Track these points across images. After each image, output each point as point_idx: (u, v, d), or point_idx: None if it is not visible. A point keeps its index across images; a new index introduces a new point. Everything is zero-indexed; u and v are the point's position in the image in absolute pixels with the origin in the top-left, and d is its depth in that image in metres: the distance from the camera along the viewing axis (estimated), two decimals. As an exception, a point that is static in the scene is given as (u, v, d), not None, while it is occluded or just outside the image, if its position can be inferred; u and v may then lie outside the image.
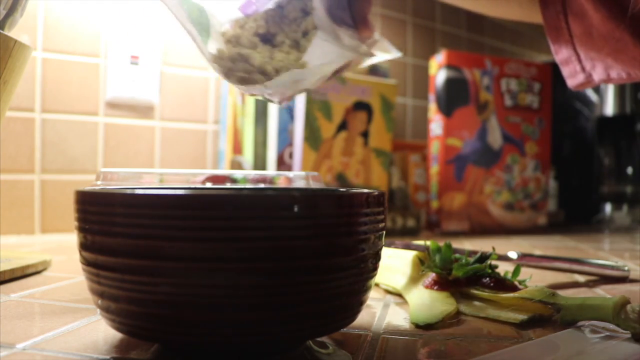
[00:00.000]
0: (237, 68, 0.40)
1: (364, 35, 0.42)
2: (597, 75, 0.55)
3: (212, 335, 0.25)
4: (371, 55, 0.43)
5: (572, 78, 0.57)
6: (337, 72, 0.43)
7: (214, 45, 0.42)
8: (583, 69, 0.55)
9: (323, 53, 0.39)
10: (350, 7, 0.41)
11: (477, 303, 0.39)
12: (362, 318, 0.37)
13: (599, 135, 1.26)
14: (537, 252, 0.73)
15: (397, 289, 0.43)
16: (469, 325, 0.36)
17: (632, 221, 1.23)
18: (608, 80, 0.55)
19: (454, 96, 0.99)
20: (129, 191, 0.26)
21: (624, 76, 0.54)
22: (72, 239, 0.78)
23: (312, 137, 0.84)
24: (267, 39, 0.43)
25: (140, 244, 0.24)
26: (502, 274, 0.41)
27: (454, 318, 0.37)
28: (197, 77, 0.97)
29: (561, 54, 0.56)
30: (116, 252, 0.25)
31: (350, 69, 0.45)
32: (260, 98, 0.43)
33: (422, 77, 1.26)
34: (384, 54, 0.45)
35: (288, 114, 0.86)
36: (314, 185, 0.52)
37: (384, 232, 0.30)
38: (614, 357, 0.29)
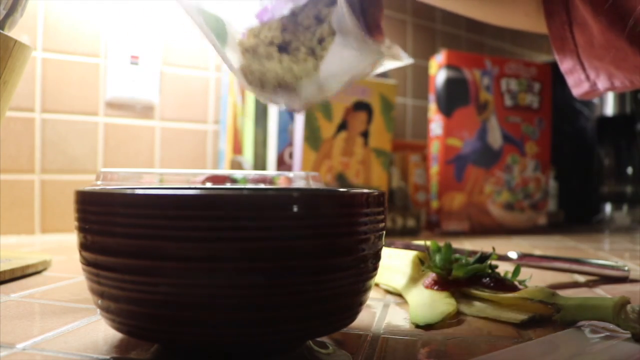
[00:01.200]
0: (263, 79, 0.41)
1: (378, 42, 0.42)
2: (602, 83, 0.55)
3: (212, 335, 0.25)
4: (392, 56, 0.43)
5: (577, 87, 0.57)
6: (353, 79, 0.43)
7: (231, 54, 0.42)
8: (587, 77, 0.55)
9: (342, 59, 0.39)
10: (364, 14, 0.41)
11: (477, 303, 0.39)
12: (362, 318, 0.37)
13: (599, 135, 1.26)
14: (537, 252, 0.73)
15: (397, 289, 0.43)
16: (469, 325, 0.36)
17: (632, 221, 1.23)
18: (612, 88, 0.55)
19: (454, 96, 0.99)
20: (129, 191, 0.26)
21: (627, 84, 0.54)
22: (72, 239, 0.78)
23: (312, 137, 0.84)
24: (283, 47, 0.43)
25: (140, 244, 0.24)
26: (502, 274, 0.41)
27: (454, 318, 0.37)
28: (197, 77, 0.97)
29: (566, 64, 0.56)
30: (116, 252, 0.25)
31: (364, 76, 0.45)
32: (281, 106, 0.43)
33: (422, 77, 1.26)
34: (395, 61, 0.45)
35: (288, 114, 0.86)
36: (314, 185, 0.52)
37: (384, 232, 0.30)
38: (614, 357, 0.29)
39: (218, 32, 0.42)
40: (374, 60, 0.41)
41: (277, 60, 0.41)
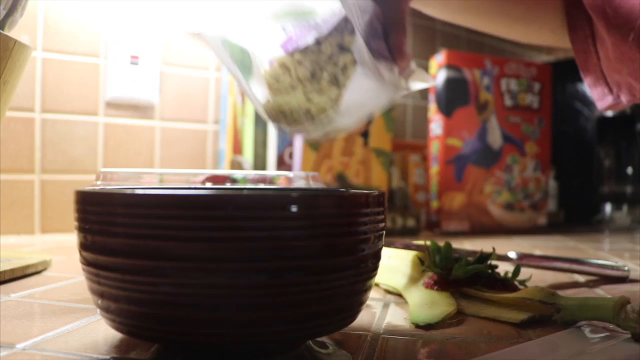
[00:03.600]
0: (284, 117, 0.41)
1: (401, 66, 0.42)
2: (624, 96, 0.55)
3: (212, 335, 0.25)
4: (409, 89, 0.43)
5: (602, 100, 0.57)
6: (373, 111, 0.44)
7: (256, 86, 0.43)
8: (611, 90, 0.55)
9: (363, 89, 0.39)
10: (386, 38, 0.41)
11: (477, 303, 0.39)
12: (362, 318, 0.37)
13: (599, 136, 1.26)
14: (537, 252, 0.73)
15: (397, 289, 0.43)
16: (469, 325, 0.36)
17: (632, 221, 1.23)
18: (634, 99, 0.55)
19: (454, 96, 0.99)
20: (129, 191, 0.26)
21: None
22: (72, 239, 0.78)
23: (312, 137, 0.84)
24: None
25: (140, 244, 0.24)
26: (502, 274, 0.41)
27: (454, 318, 0.37)
28: (197, 77, 0.97)
29: (590, 77, 0.56)
30: (116, 252, 0.25)
31: (383, 107, 0.45)
32: (301, 136, 0.44)
33: (422, 77, 1.26)
34: (420, 83, 0.46)
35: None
36: (314, 185, 0.52)
37: (384, 232, 0.30)
38: (614, 357, 0.29)
39: (244, 64, 0.43)
40: (394, 93, 0.41)
41: (300, 90, 0.42)
